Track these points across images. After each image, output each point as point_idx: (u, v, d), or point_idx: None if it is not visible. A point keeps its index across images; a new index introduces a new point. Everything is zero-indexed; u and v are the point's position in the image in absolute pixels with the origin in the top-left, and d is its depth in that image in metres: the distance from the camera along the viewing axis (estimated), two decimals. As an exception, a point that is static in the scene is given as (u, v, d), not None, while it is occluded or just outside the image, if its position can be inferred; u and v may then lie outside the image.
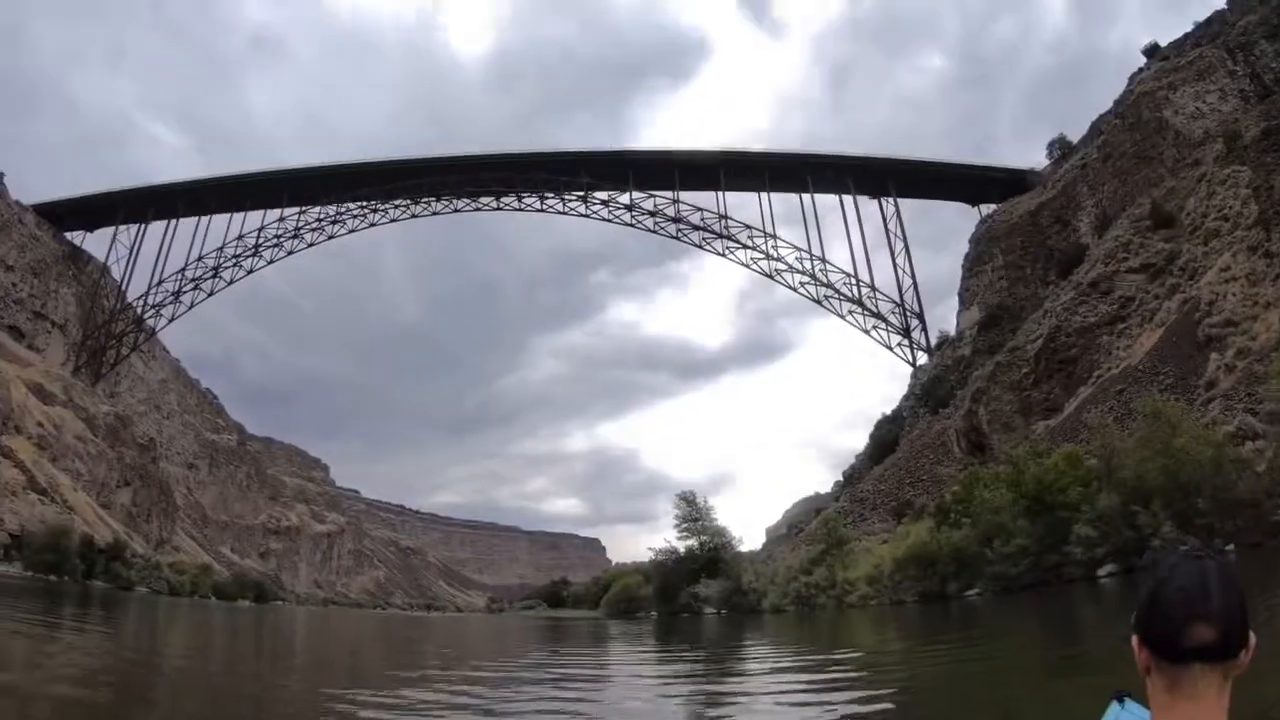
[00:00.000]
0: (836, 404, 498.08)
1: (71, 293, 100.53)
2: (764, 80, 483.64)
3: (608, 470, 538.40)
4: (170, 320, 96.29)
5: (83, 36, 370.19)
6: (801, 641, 26.21)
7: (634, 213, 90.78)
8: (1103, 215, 59.35)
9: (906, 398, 74.58)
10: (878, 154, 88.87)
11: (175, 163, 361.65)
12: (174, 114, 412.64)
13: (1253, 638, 1.60)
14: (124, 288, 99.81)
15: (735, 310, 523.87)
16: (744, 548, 61.68)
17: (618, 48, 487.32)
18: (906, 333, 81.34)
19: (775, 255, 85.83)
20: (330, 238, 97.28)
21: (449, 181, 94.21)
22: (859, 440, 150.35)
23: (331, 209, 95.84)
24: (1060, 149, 75.87)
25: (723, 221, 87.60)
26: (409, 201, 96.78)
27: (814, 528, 59.82)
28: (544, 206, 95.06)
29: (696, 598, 51.36)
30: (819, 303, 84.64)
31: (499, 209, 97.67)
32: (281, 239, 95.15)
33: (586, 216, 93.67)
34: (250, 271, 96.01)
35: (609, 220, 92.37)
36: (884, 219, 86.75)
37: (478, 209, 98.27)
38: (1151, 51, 69.92)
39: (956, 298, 78.97)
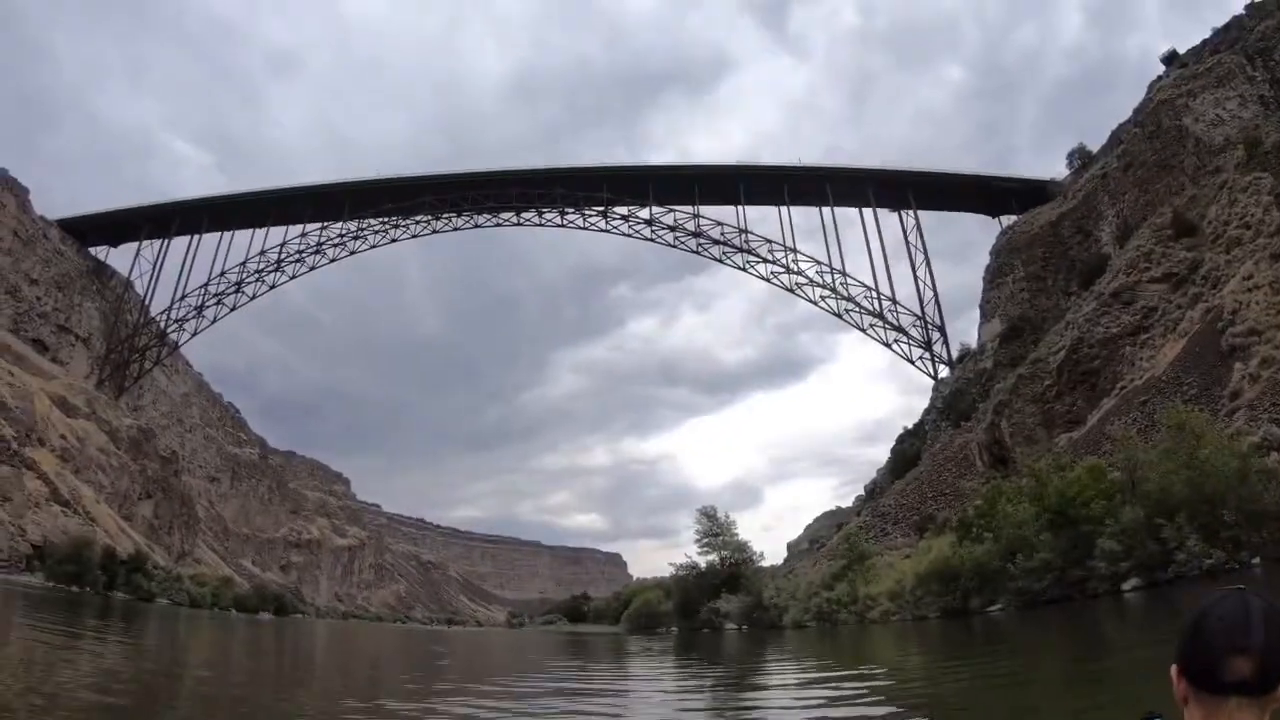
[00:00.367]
0: (857, 418, 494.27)
1: (95, 307, 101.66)
2: (782, 94, 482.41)
3: (629, 485, 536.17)
4: (193, 334, 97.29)
5: (105, 53, 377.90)
6: (823, 657, 26.06)
7: (654, 227, 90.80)
8: (1124, 225, 58.85)
9: (928, 411, 74.17)
10: (897, 166, 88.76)
11: (197, 179, 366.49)
12: (196, 130, 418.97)
13: None
14: (147, 302, 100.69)
15: (755, 324, 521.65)
16: (765, 563, 61.62)
17: (637, 63, 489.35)
18: (928, 345, 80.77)
19: (796, 269, 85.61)
20: (352, 253, 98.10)
21: (470, 197, 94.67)
22: (880, 454, 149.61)
23: (353, 224, 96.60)
24: (1080, 159, 75.40)
25: (743, 235, 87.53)
26: (430, 217, 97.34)
27: (835, 543, 59.46)
28: (564, 222, 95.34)
29: (717, 613, 51.11)
30: (840, 316, 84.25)
31: (519, 224, 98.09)
32: (304, 254, 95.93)
33: (607, 231, 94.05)
34: (273, 286, 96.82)
35: (629, 235, 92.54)
36: (904, 231, 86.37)
37: (498, 224, 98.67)
38: (1170, 59, 69.75)
39: (978, 310, 78.43)
